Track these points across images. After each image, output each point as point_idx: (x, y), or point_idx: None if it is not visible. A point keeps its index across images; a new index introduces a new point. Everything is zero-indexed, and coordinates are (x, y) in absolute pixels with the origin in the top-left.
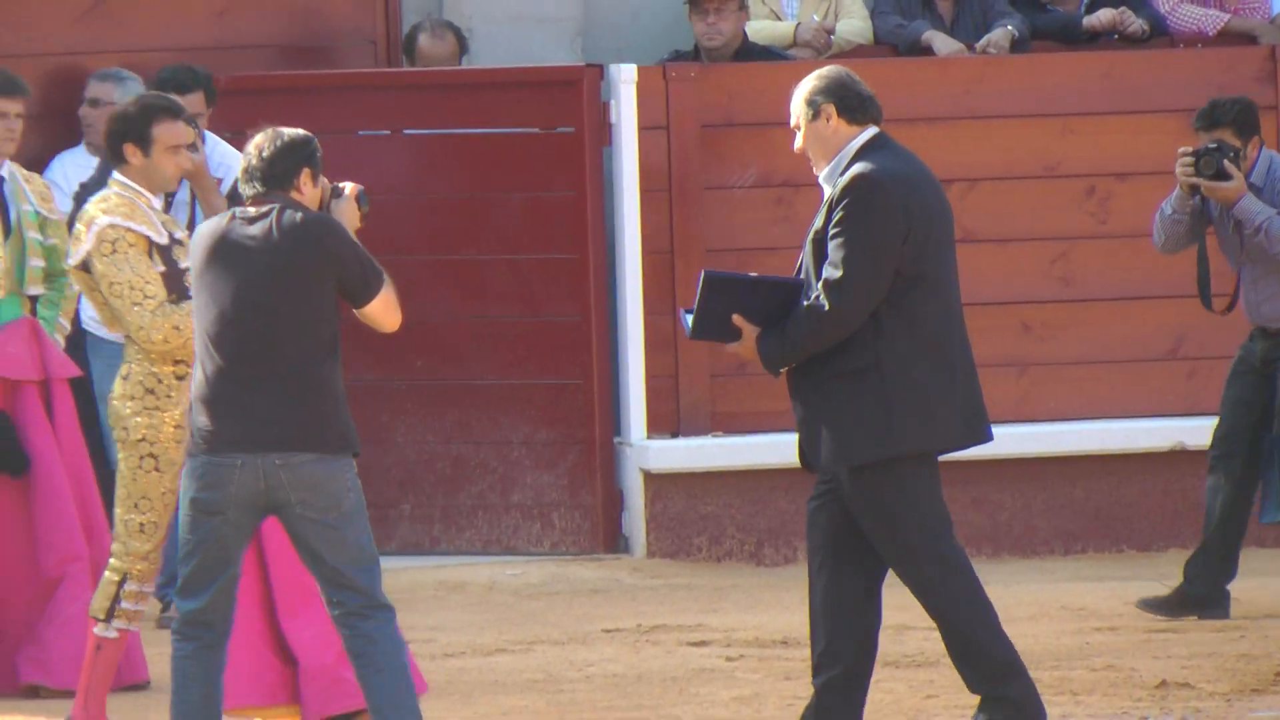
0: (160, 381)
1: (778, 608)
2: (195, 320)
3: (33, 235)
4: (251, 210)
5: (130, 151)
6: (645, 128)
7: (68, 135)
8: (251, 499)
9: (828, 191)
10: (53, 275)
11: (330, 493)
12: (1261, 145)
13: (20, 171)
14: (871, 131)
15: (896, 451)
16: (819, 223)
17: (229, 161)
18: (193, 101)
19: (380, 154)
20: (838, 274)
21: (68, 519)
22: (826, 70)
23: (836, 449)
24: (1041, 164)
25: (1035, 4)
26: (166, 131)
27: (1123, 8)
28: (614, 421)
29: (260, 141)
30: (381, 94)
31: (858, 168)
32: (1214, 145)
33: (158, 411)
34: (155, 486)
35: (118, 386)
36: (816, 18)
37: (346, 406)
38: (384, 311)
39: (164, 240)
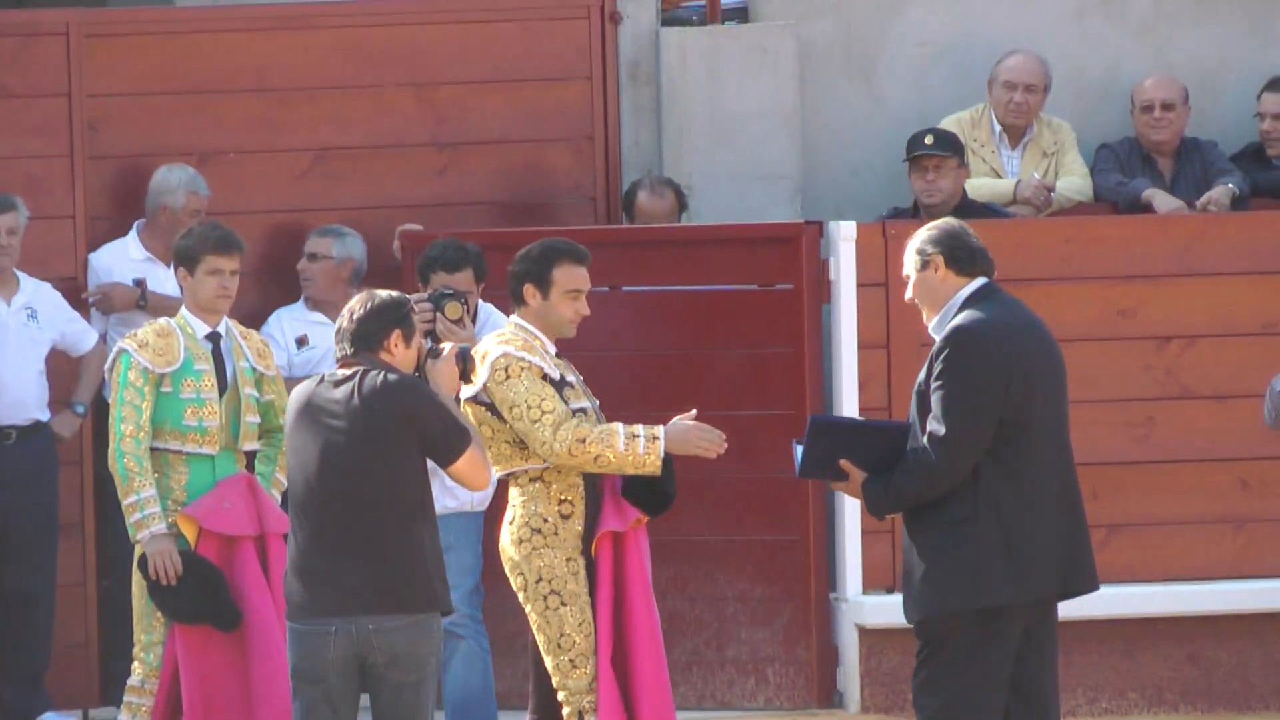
0: (546, 521)
1: None
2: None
3: (249, 392)
4: (340, 373)
5: (529, 293)
6: (864, 284)
7: (287, 291)
8: (347, 664)
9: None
10: (269, 431)
11: (418, 656)
12: None
13: (238, 328)
14: (980, 282)
15: (988, 602)
16: (922, 375)
17: None
18: (462, 279)
19: (599, 310)
20: (941, 429)
21: (282, 675)
22: (940, 222)
23: (929, 596)
24: (1260, 321)
25: (1258, 161)
26: (566, 275)
27: None
28: (830, 577)
29: (353, 304)
30: (601, 250)
31: (958, 319)
32: None
33: (547, 550)
34: (569, 621)
35: (505, 532)
36: (1037, 175)
37: (439, 565)
38: (469, 471)
39: (556, 376)
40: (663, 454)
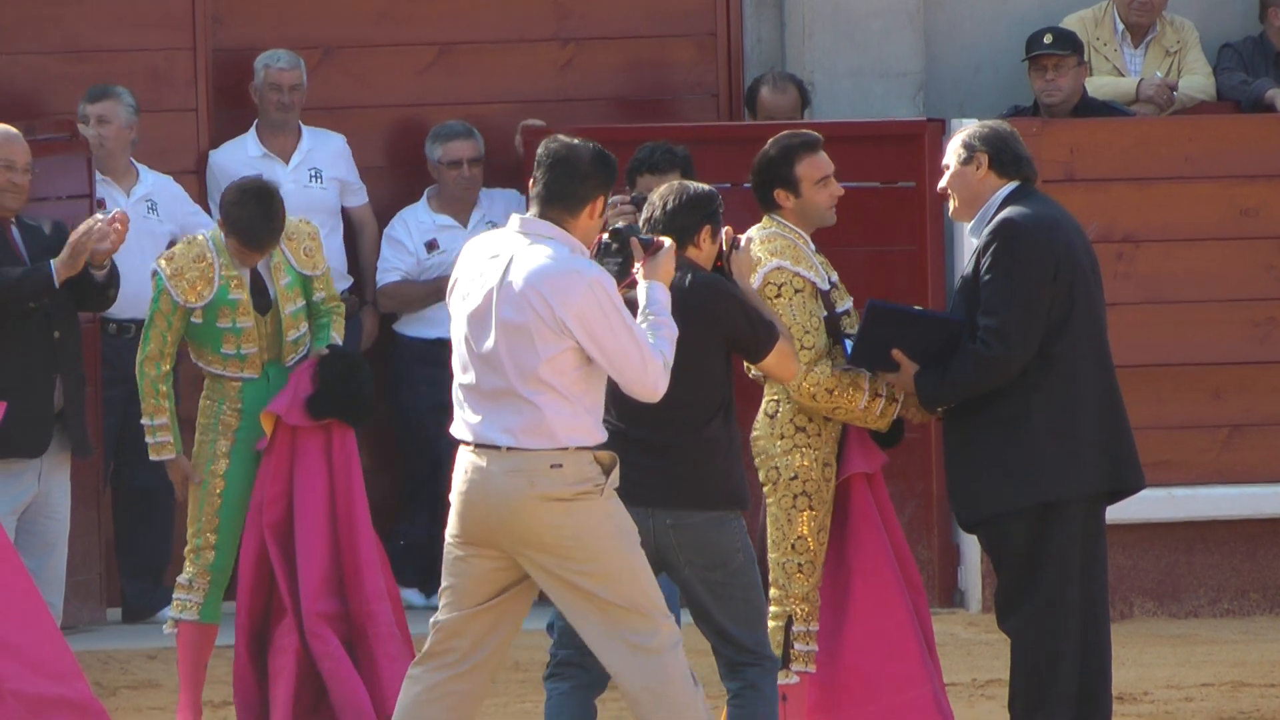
0: (810, 420)
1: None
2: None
3: (290, 310)
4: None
5: (781, 197)
6: None
7: (410, 186)
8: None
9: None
10: (321, 314)
11: (718, 552)
12: None
13: (286, 227)
14: (1016, 185)
15: (1044, 498)
16: (968, 270)
17: None
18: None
19: (725, 207)
20: (996, 321)
21: (315, 576)
22: (993, 121)
23: (981, 497)
24: None
25: None
26: (809, 167)
27: None
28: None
29: (665, 193)
30: (723, 147)
31: (1006, 212)
32: None
33: (809, 450)
34: (810, 525)
35: (763, 424)
36: (1159, 74)
37: (740, 464)
38: (779, 365)
39: (825, 285)
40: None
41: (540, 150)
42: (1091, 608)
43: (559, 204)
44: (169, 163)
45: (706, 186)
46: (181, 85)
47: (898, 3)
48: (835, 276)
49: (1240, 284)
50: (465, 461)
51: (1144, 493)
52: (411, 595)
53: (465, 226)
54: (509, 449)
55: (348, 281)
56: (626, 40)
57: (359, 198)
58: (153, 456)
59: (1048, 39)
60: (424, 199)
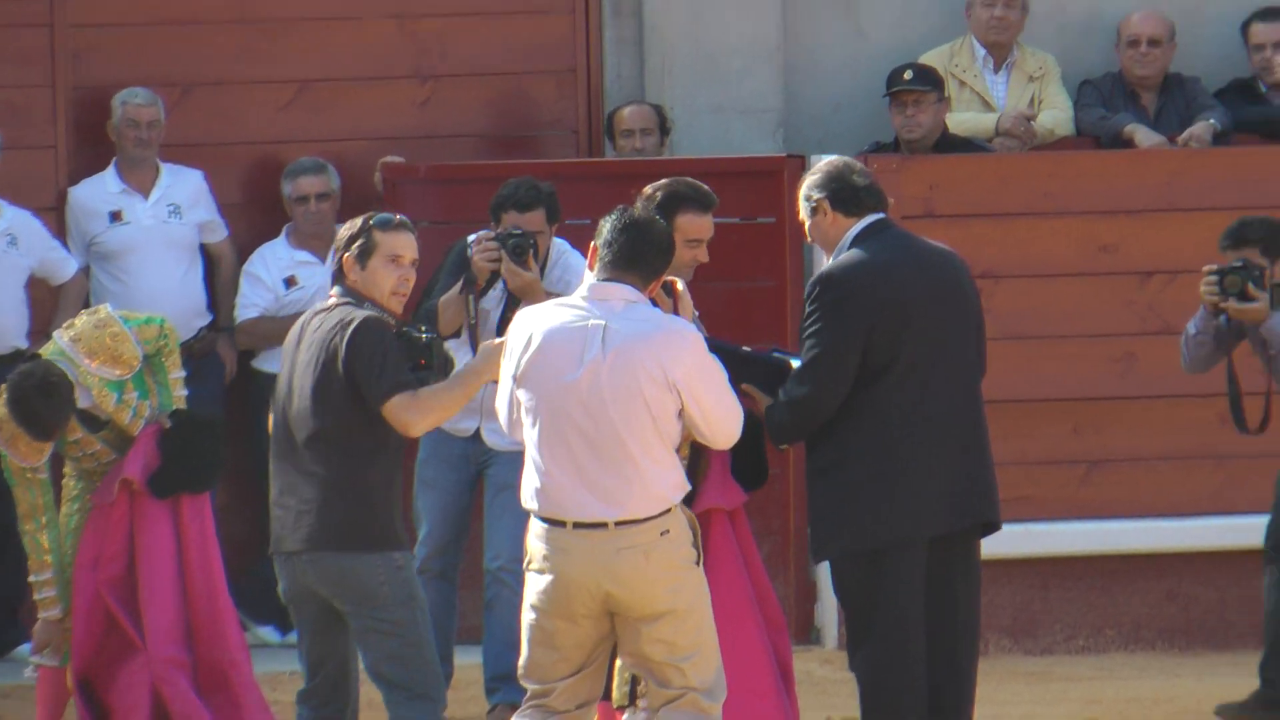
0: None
1: None
2: None
3: (127, 417)
4: (322, 304)
5: None
6: None
7: (270, 223)
8: (303, 594)
9: None
10: (155, 371)
11: (365, 591)
12: None
13: (86, 342)
14: (868, 220)
15: (861, 547)
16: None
17: (570, 276)
18: (534, 219)
19: (582, 242)
20: (803, 365)
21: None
22: (824, 164)
23: (813, 543)
24: None
25: (1242, 96)
26: (690, 223)
27: None
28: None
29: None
30: (583, 183)
31: (826, 266)
32: (1239, 264)
33: None
34: None
35: None
36: (1024, 101)
37: (386, 503)
38: (393, 417)
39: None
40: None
41: (615, 218)
42: (947, 646)
43: (636, 270)
44: (27, 199)
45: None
46: (40, 122)
47: (757, 39)
48: (697, 314)
49: (1099, 319)
50: (559, 541)
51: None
52: (267, 632)
53: (324, 262)
54: (617, 524)
55: (206, 318)
56: (486, 76)
57: (219, 233)
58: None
59: (907, 75)
60: (283, 235)
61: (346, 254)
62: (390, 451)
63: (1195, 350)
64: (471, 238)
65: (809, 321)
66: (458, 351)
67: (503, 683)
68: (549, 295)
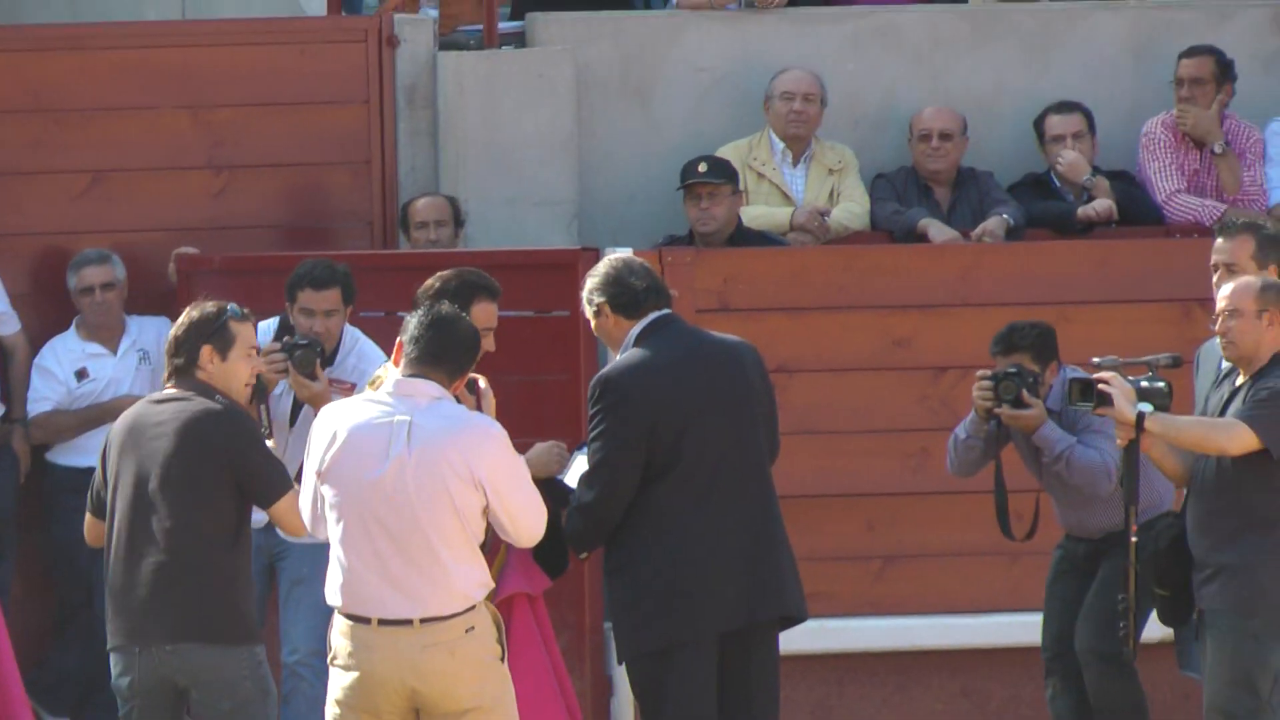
0: None
1: None
2: (109, 507)
3: None
4: (166, 393)
5: None
6: None
7: (62, 313)
8: (155, 686)
9: None
10: None
11: (224, 682)
12: (1060, 369)
13: None
14: (650, 319)
15: (648, 648)
16: None
17: (365, 364)
18: (329, 298)
19: (376, 335)
20: (588, 472)
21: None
22: (603, 266)
23: (614, 643)
24: None
25: (1035, 191)
26: (482, 312)
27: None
28: (604, 605)
29: (180, 319)
30: (378, 274)
31: (604, 370)
32: (1014, 370)
33: None
34: None
35: None
36: (822, 194)
37: (247, 597)
38: (285, 515)
39: None
40: None
41: (422, 314)
42: None
43: (442, 367)
44: None
45: (218, 305)
46: None
47: (551, 132)
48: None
49: (893, 415)
50: (364, 638)
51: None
52: None
53: (115, 354)
54: (422, 621)
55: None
56: (280, 168)
57: (11, 325)
58: None
59: (702, 167)
60: (73, 327)
61: (207, 344)
62: (243, 543)
63: (964, 454)
64: (260, 332)
65: (592, 424)
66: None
67: None
68: (341, 393)
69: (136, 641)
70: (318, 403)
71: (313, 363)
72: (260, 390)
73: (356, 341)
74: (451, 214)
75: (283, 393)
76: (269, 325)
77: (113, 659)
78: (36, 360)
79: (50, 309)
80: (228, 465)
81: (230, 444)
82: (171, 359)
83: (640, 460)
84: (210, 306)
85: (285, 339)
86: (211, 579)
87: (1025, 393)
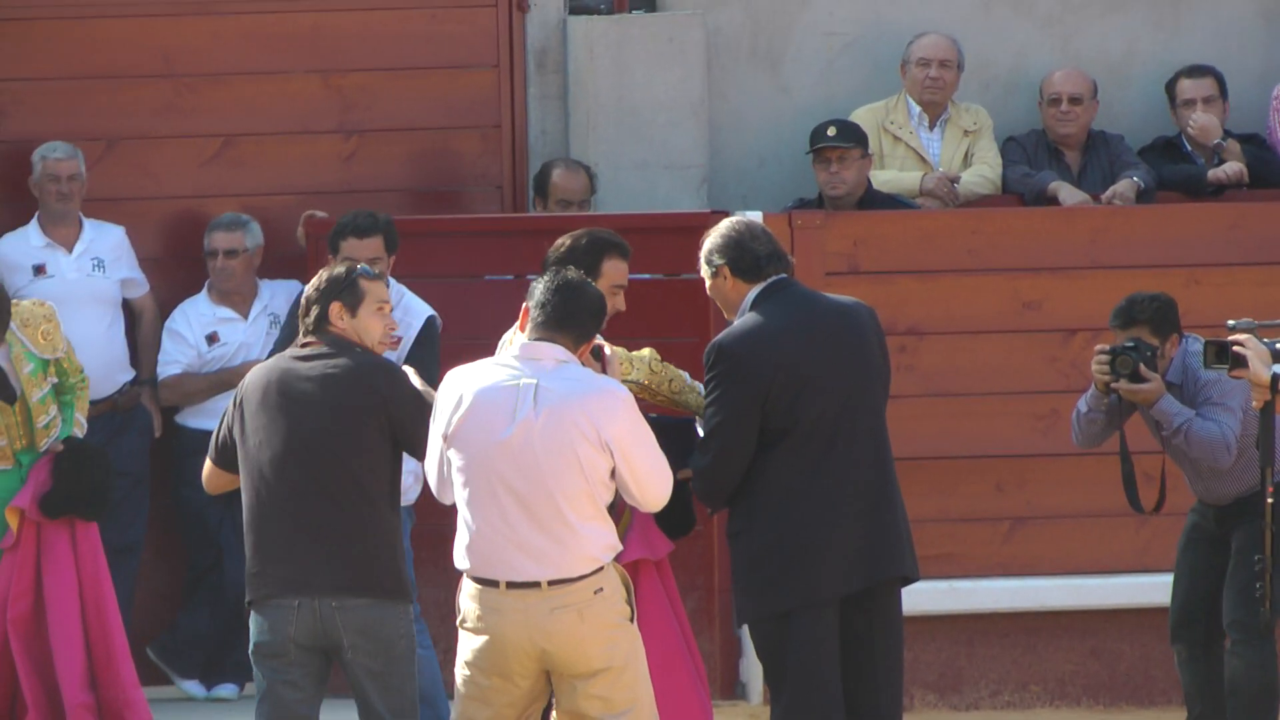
0: None
1: None
2: (250, 462)
3: (38, 396)
4: (307, 350)
5: None
6: None
7: (193, 276)
8: (310, 641)
9: None
10: (65, 390)
11: (383, 638)
12: (1181, 340)
13: (18, 316)
14: (767, 282)
15: (768, 612)
16: None
17: (410, 318)
18: (371, 245)
19: (507, 298)
20: (704, 437)
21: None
22: (725, 228)
23: (734, 608)
24: None
25: (1165, 155)
26: (613, 270)
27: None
28: None
29: (311, 282)
30: (509, 238)
31: (722, 333)
32: (1130, 344)
33: None
34: None
35: None
36: (957, 159)
37: (402, 555)
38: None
39: None
40: None
41: (548, 279)
42: (869, 701)
43: (568, 331)
44: None
45: (346, 265)
46: None
47: (682, 96)
48: None
49: (1023, 377)
50: (492, 601)
51: (925, 585)
52: (192, 686)
53: (246, 319)
54: (550, 583)
55: (130, 373)
56: (410, 132)
57: (140, 288)
58: None
59: (831, 131)
60: (204, 291)
61: (335, 301)
62: (399, 497)
63: (1087, 427)
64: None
65: (707, 390)
66: None
67: None
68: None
69: (298, 594)
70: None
71: None
72: None
73: (401, 295)
74: (589, 189)
75: None
76: None
77: (259, 613)
78: (167, 323)
79: (180, 273)
80: (386, 417)
81: (389, 395)
82: (303, 318)
83: (755, 426)
84: (340, 266)
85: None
86: (375, 533)
87: (1143, 366)
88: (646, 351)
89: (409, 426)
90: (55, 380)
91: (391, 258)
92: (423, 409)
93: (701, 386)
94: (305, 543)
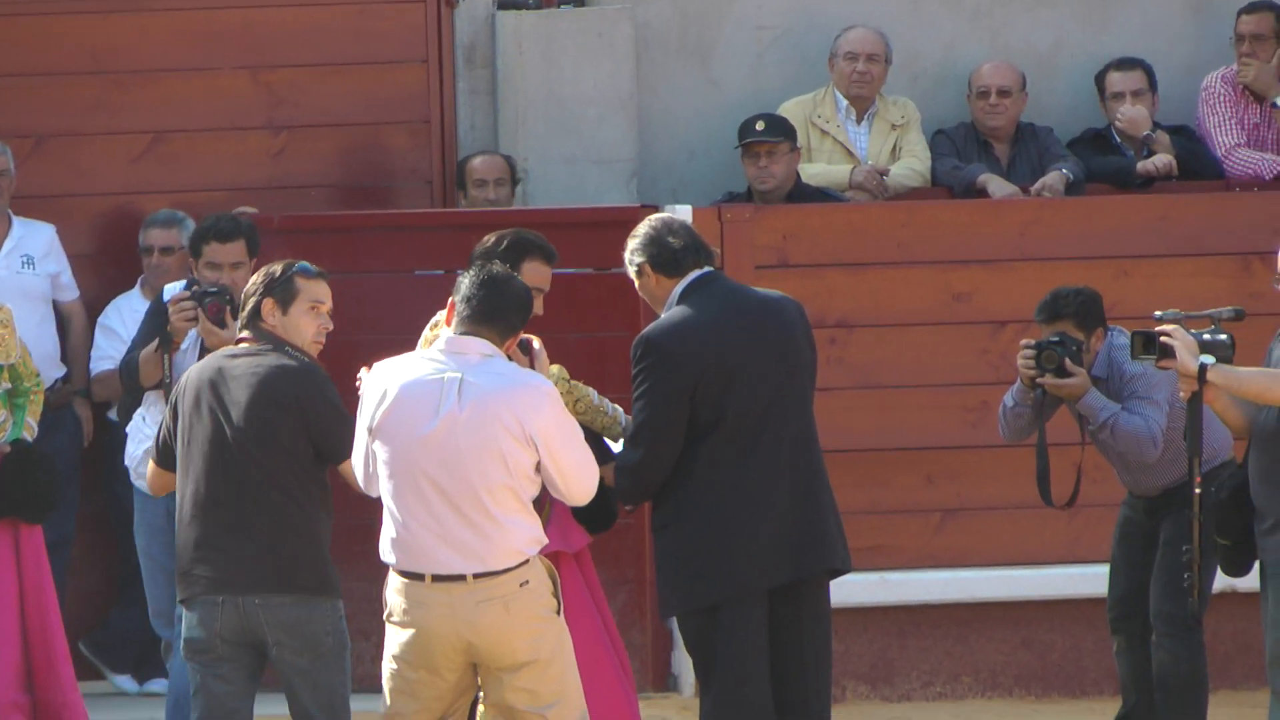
0: None
1: None
2: (182, 461)
3: None
4: (241, 348)
5: None
6: None
7: (124, 274)
8: (236, 637)
9: None
10: (18, 394)
11: (309, 635)
12: (1107, 334)
13: None
14: (691, 277)
15: (696, 605)
16: None
17: None
18: (233, 250)
19: (436, 293)
20: (633, 431)
21: (9, 667)
22: (643, 227)
23: (659, 601)
24: None
25: (1094, 147)
26: (533, 273)
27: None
28: None
29: (253, 279)
30: (438, 234)
31: (645, 330)
32: (1055, 339)
33: None
34: None
35: None
36: (882, 157)
37: (327, 547)
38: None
39: None
40: None
41: (474, 273)
42: (797, 692)
43: (494, 326)
44: None
45: (284, 263)
46: None
47: (611, 89)
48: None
49: (953, 369)
50: (418, 594)
51: (857, 577)
52: (124, 682)
53: None
54: (475, 577)
55: (60, 370)
56: (340, 127)
57: (70, 293)
58: None
59: (760, 126)
60: (137, 286)
61: (268, 298)
62: (325, 495)
63: (1013, 421)
64: (167, 291)
65: (635, 384)
66: (154, 406)
67: None
68: None
69: (221, 592)
70: None
71: (223, 310)
72: (167, 340)
73: None
74: (509, 172)
75: (190, 346)
76: (175, 287)
77: (189, 609)
78: (100, 319)
79: (111, 269)
80: (301, 420)
81: (302, 399)
82: (241, 313)
83: (684, 419)
84: (279, 263)
85: (194, 288)
86: (298, 531)
87: (1068, 361)
88: (555, 369)
89: (323, 434)
90: (7, 386)
91: (253, 261)
92: (338, 415)
93: (610, 406)
94: (230, 541)
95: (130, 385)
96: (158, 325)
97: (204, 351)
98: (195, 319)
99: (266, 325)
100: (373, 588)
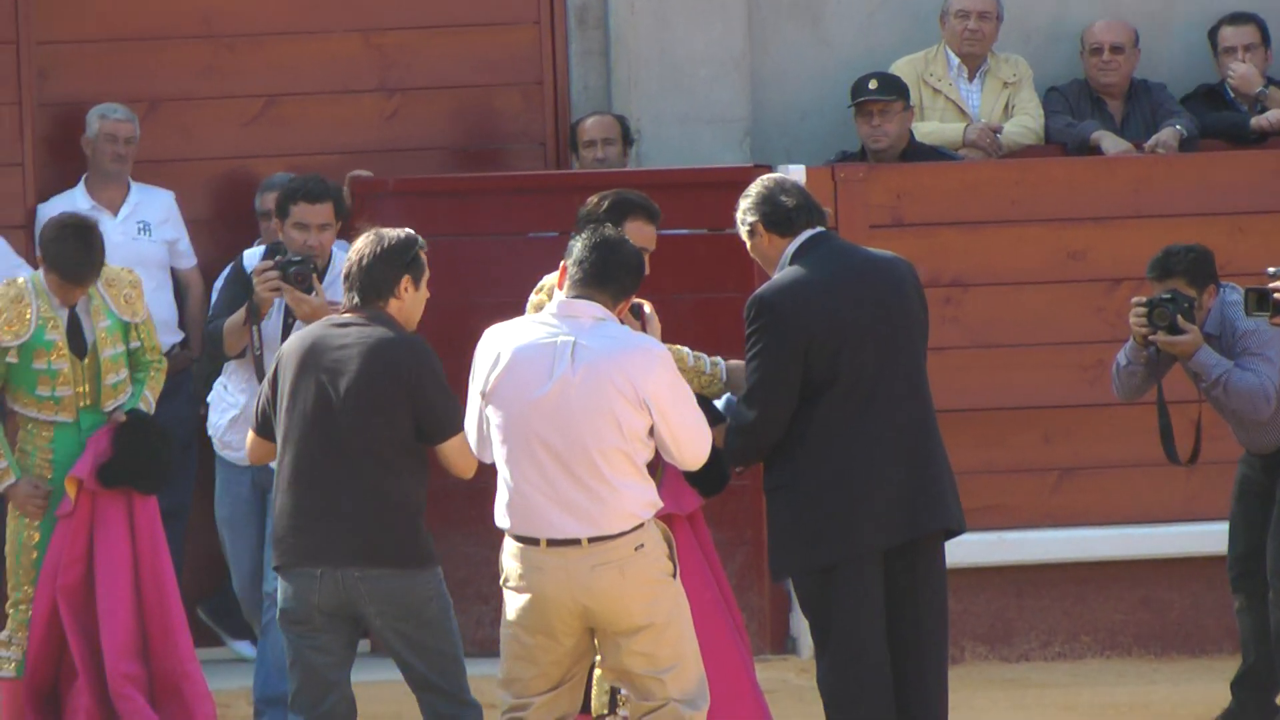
0: None
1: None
2: (282, 429)
3: (109, 353)
4: (345, 318)
5: None
6: None
7: (237, 238)
8: (334, 610)
9: None
10: (140, 367)
11: (409, 606)
12: (1219, 291)
13: (109, 273)
14: (804, 237)
15: (810, 566)
16: None
17: None
18: (322, 212)
19: (550, 256)
20: (746, 390)
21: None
22: (755, 186)
23: (770, 562)
24: None
25: (1207, 103)
26: (635, 232)
27: None
28: None
29: (361, 247)
30: (551, 195)
31: (761, 287)
32: (1167, 296)
33: None
34: None
35: None
36: (995, 114)
37: (423, 516)
38: (455, 454)
39: None
40: None
41: (586, 236)
42: (914, 653)
43: (606, 289)
44: None
45: (404, 233)
46: (7, 140)
47: (724, 49)
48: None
49: (1069, 327)
50: (533, 559)
51: (974, 537)
52: (243, 647)
53: None
54: (590, 541)
55: (177, 335)
56: (452, 90)
57: (188, 260)
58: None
59: (873, 84)
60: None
61: (406, 274)
62: (425, 471)
63: (1126, 380)
64: (247, 258)
65: (749, 344)
66: (237, 374)
67: (270, 705)
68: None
69: (320, 563)
70: (315, 319)
71: (309, 277)
72: (254, 310)
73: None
74: (620, 132)
75: (272, 312)
76: (255, 253)
77: (285, 579)
78: (224, 274)
79: (225, 234)
80: (408, 393)
81: (413, 373)
82: (359, 286)
83: (797, 379)
84: (400, 234)
85: (277, 257)
86: (399, 503)
87: (1180, 318)
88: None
89: (428, 408)
90: (133, 345)
91: (340, 223)
92: (444, 393)
93: (709, 362)
94: (328, 512)
95: (214, 353)
96: (237, 292)
97: (288, 318)
98: (279, 289)
99: (398, 302)
100: (491, 552)
